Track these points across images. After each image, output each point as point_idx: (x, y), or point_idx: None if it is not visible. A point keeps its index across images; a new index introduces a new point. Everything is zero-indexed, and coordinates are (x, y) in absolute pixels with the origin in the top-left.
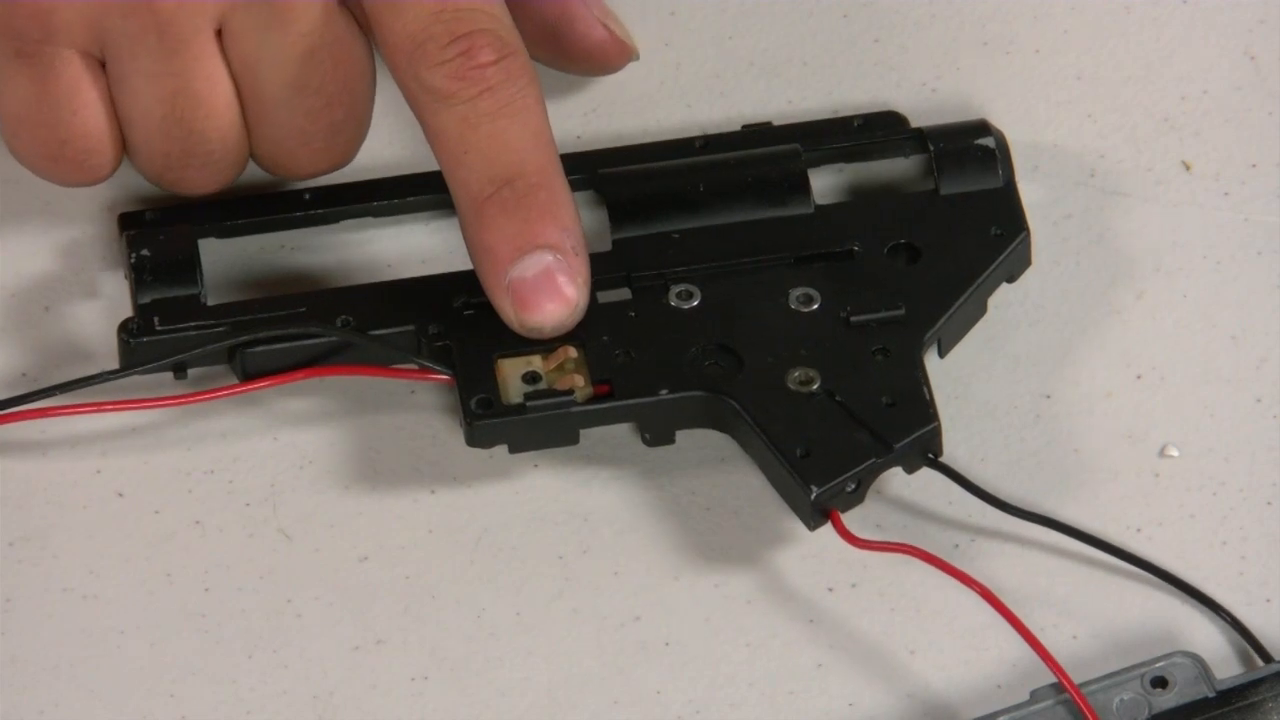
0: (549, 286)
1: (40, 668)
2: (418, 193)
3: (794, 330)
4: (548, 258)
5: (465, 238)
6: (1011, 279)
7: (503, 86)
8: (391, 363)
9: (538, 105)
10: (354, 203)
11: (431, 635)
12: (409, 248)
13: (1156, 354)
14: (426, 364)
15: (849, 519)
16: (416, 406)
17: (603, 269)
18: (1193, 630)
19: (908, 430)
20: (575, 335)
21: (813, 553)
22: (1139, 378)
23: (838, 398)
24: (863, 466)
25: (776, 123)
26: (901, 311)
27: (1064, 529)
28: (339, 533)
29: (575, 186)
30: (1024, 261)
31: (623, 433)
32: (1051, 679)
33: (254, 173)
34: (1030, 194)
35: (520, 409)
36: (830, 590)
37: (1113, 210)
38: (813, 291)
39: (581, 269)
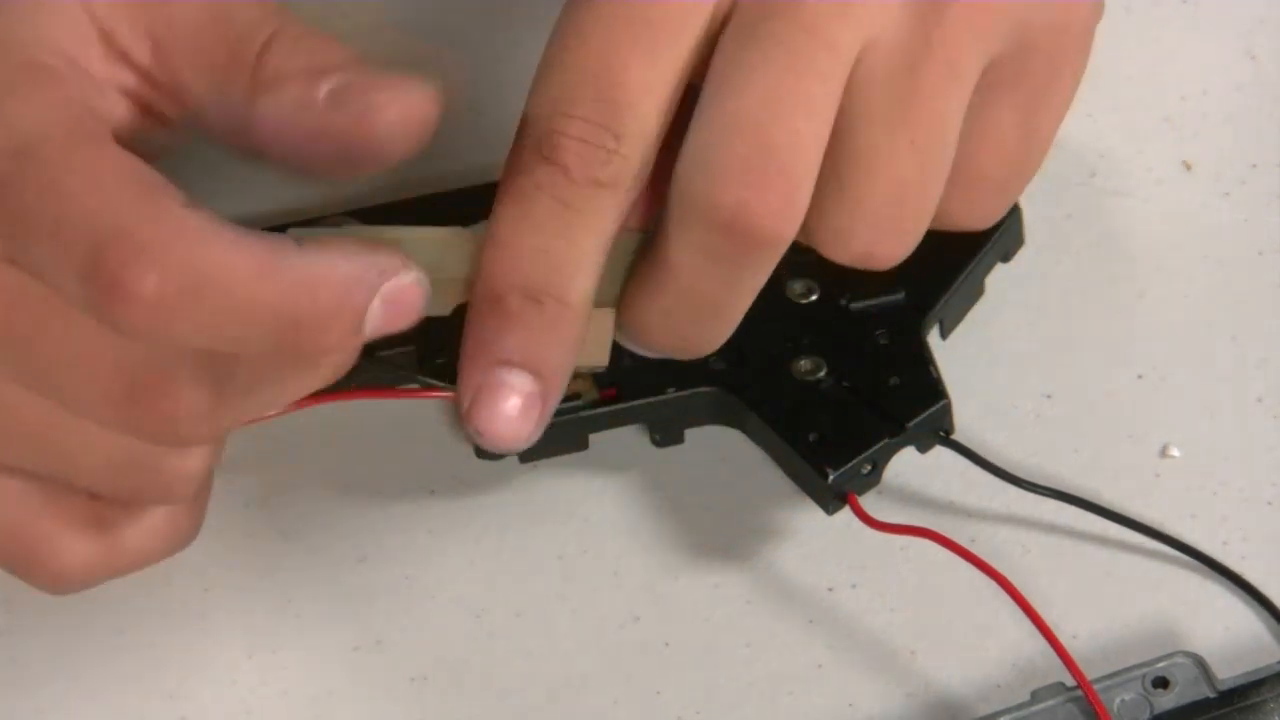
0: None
1: (40, 668)
2: (403, 219)
3: (796, 321)
4: (528, 384)
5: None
6: (1006, 258)
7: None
8: (394, 384)
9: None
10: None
11: (431, 635)
12: None
13: (1157, 354)
14: (430, 381)
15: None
16: (416, 406)
17: None
18: (1205, 613)
19: (919, 409)
20: None
21: (813, 553)
22: (1139, 377)
23: (845, 383)
24: (876, 447)
25: None
26: (901, 296)
27: (1081, 503)
28: (339, 533)
29: None
30: (1017, 240)
31: (624, 434)
32: (1052, 679)
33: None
34: (1030, 194)
35: None
36: (830, 590)
37: (1113, 210)
38: (811, 283)
39: (548, 413)
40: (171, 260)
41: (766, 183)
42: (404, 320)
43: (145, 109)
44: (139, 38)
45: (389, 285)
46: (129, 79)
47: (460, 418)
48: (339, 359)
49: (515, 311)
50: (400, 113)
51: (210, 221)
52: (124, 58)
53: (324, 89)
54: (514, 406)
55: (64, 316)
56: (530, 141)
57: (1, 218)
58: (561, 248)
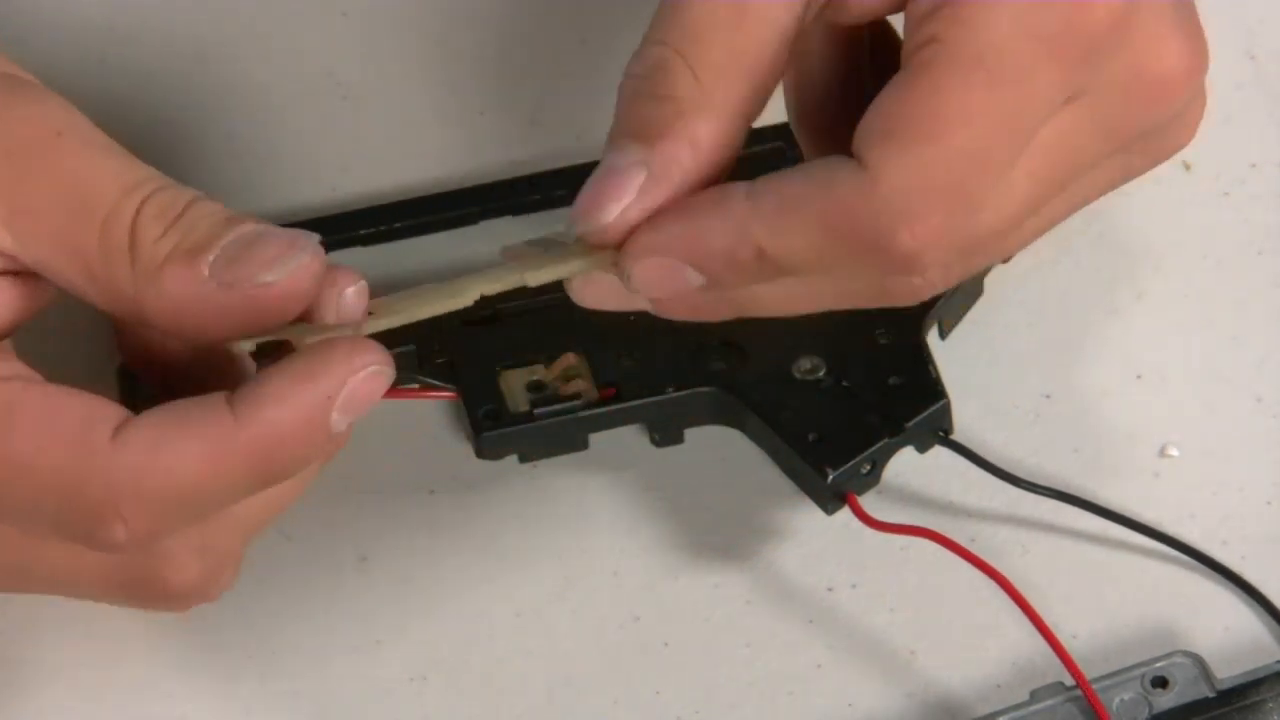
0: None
1: (40, 668)
2: (404, 218)
3: (795, 321)
4: (696, 281)
5: None
6: (1006, 259)
7: None
8: (394, 384)
9: None
10: (341, 232)
11: (431, 635)
12: (402, 269)
13: (1156, 354)
14: (429, 381)
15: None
16: (416, 406)
17: None
18: (1204, 613)
19: (918, 408)
20: (577, 343)
21: (813, 553)
22: (1139, 377)
23: (845, 383)
24: (876, 447)
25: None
26: None
27: (1080, 503)
28: (339, 533)
29: (561, 201)
30: None
31: (624, 434)
32: (1052, 679)
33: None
34: None
35: (528, 416)
36: (830, 590)
37: (1113, 210)
38: None
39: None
40: (127, 505)
41: (967, 256)
42: (372, 403)
43: (14, 278)
44: None
45: (345, 392)
46: None
47: (626, 250)
48: (327, 458)
49: (741, 263)
50: (289, 283)
51: (149, 427)
52: None
53: (207, 269)
54: (672, 281)
55: (48, 543)
56: (877, 211)
57: None
58: (814, 296)
